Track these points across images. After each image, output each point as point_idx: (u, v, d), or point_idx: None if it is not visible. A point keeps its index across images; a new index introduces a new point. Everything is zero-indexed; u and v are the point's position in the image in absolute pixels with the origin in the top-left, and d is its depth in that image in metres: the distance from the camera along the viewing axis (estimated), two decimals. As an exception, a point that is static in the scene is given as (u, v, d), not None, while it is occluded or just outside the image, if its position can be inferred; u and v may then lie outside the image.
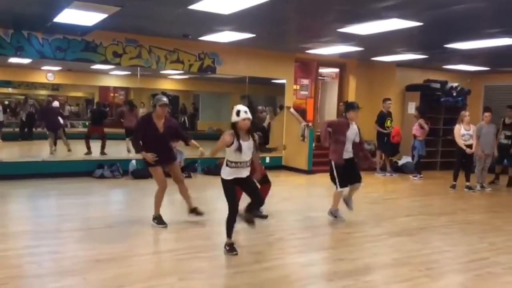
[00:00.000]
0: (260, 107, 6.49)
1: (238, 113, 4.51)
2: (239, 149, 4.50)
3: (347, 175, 6.16)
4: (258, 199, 4.88)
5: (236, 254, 4.64)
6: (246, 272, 4.33)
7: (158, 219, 5.65)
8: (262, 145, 5.97)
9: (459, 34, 7.95)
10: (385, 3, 6.02)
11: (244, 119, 4.50)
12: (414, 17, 6.68)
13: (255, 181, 5.25)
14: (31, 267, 4.27)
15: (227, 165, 4.65)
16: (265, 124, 6.74)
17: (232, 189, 4.70)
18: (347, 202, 6.34)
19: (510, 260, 4.91)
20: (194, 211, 5.94)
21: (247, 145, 4.58)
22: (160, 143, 5.57)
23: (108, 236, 5.31)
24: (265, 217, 6.23)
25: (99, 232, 5.48)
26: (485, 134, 9.29)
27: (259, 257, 4.71)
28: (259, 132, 5.87)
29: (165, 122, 5.60)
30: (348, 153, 6.15)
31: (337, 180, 6.15)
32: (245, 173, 4.68)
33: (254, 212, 5.01)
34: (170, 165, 5.80)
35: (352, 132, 6.12)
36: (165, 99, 5.62)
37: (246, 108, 4.59)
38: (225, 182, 4.68)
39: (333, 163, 6.16)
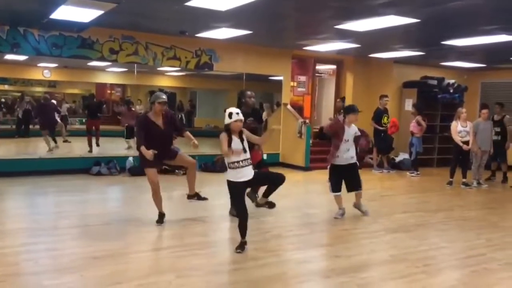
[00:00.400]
0: (248, 92, 6.28)
1: (230, 115, 4.59)
2: (239, 146, 4.58)
3: (346, 180, 6.21)
4: (276, 181, 4.91)
5: (240, 252, 4.64)
6: (243, 269, 4.34)
7: (160, 216, 5.65)
8: (258, 129, 6.03)
9: (456, 31, 7.97)
10: (382, 0, 6.02)
11: (236, 121, 4.58)
12: (411, 14, 6.68)
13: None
14: (28, 264, 4.26)
15: (229, 167, 4.67)
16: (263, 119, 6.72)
17: (239, 191, 4.71)
18: (359, 208, 6.40)
19: (507, 256, 4.93)
20: (195, 196, 5.90)
21: (237, 143, 4.61)
22: (163, 140, 5.53)
23: (105, 233, 5.31)
24: (254, 202, 6.23)
25: (96, 229, 5.47)
26: (482, 131, 9.31)
27: (257, 254, 4.71)
28: (251, 117, 5.87)
29: (164, 118, 5.58)
30: (347, 159, 6.14)
31: (329, 184, 6.24)
32: (247, 174, 4.68)
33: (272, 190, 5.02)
34: (174, 158, 5.75)
35: (350, 134, 6.12)
36: (164, 96, 5.59)
37: (238, 110, 4.68)
38: (231, 184, 4.69)
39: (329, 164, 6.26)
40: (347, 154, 6.12)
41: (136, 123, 5.83)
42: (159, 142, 5.45)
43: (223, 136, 4.58)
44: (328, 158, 6.23)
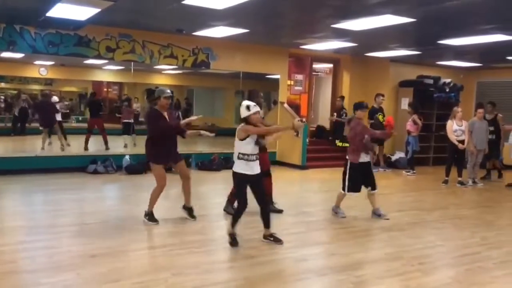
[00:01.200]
0: (259, 92, 6.34)
1: (248, 107, 4.63)
2: (256, 142, 4.65)
3: (360, 180, 6.14)
4: (263, 204, 4.91)
5: (236, 246, 4.69)
6: (240, 267, 4.36)
7: (150, 216, 5.64)
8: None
9: (452, 30, 8.00)
10: (379, -1, 6.05)
11: (254, 113, 4.64)
12: (407, 13, 6.71)
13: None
14: (25, 262, 4.27)
15: (239, 158, 4.70)
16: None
17: (244, 183, 4.76)
18: (378, 213, 6.33)
19: (501, 255, 4.97)
20: (188, 209, 5.88)
21: (253, 138, 4.68)
22: (166, 141, 5.54)
23: (102, 231, 5.31)
24: (281, 211, 6.34)
25: (93, 227, 5.48)
26: (477, 130, 9.36)
27: (253, 252, 4.73)
28: None
29: (169, 115, 5.59)
30: (365, 156, 6.14)
31: (346, 183, 6.14)
32: (256, 168, 4.73)
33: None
34: (178, 162, 5.74)
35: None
36: (168, 91, 5.62)
37: (254, 103, 4.71)
38: (237, 176, 4.74)
39: (349, 163, 6.14)
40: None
41: (150, 116, 5.61)
42: (163, 140, 5.48)
43: (245, 125, 4.60)
44: (354, 158, 6.08)
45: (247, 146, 4.64)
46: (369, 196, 6.33)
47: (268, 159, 6.15)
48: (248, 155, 4.66)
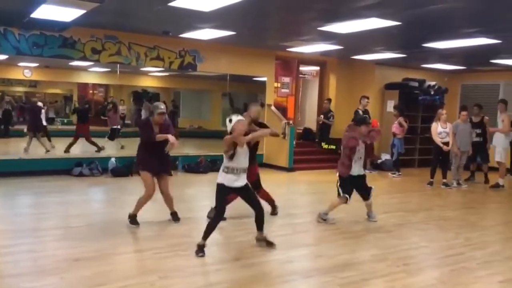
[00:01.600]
0: (254, 107, 6.13)
1: (230, 121, 4.60)
2: (233, 155, 4.56)
3: (352, 187, 6.10)
4: (257, 209, 4.90)
5: (202, 256, 4.58)
6: (226, 269, 4.36)
7: (132, 219, 5.63)
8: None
9: (437, 34, 8.09)
10: (365, 2, 6.09)
11: (238, 121, 4.58)
12: (393, 16, 6.78)
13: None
14: (8, 266, 4.20)
15: (223, 170, 4.68)
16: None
17: (224, 194, 4.73)
18: (370, 215, 6.38)
19: (484, 255, 5.03)
20: (172, 214, 5.91)
21: (243, 151, 4.62)
22: (157, 149, 5.54)
23: (87, 234, 5.26)
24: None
25: (78, 230, 5.43)
26: (461, 132, 9.46)
27: (240, 255, 4.73)
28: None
29: (161, 126, 5.57)
30: (359, 169, 6.09)
31: (340, 190, 6.09)
32: (241, 181, 4.69)
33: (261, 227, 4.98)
34: (162, 175, 5.72)
35: (363, 146, 6.07)
36: (162, 107, 5.62)
37: (235, 115, 4.68)
38: (219, 186, 4.70)
39: (337, 174, 6.16)
40: (360, 161, 6.07)
41: (141, 123, 5.77)
42: (154, 149, 5.50)
43: (227, 136, 4.58)
44: (343, 171, 6.02)
45: (227, 160, 4.61)
46: (365, 205, 6.35)
47: (255, 172, 5.98)
48: (232, 169, 4.61)
